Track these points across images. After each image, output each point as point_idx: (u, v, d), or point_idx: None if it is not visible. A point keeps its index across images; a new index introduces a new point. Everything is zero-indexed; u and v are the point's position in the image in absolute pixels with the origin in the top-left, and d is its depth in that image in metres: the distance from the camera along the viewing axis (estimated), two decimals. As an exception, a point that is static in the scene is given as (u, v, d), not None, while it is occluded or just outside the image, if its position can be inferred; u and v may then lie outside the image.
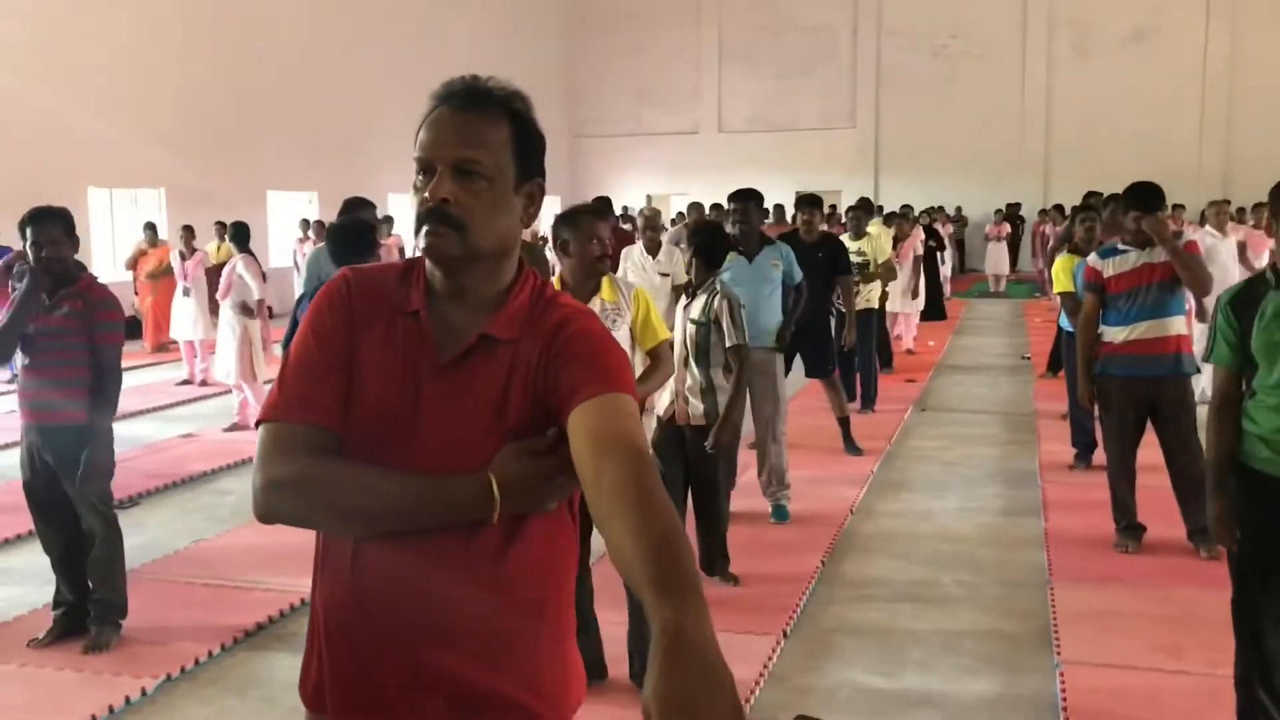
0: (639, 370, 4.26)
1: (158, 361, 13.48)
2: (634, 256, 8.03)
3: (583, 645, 4.03)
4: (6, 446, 8.24)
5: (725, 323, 5.04)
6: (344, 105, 20.31)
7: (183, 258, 11.93)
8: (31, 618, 4.99)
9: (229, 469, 7.95)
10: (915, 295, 12.50)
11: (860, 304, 9.37)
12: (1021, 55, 26.88)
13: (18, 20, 14.52)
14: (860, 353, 9.46)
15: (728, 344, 5.06)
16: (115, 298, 4.77)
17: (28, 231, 4.47)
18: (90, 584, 4.71)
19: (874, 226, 12.09)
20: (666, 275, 7.82)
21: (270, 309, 10.69)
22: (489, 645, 1.65)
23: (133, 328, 14.20)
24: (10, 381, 11.07)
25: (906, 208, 14.85)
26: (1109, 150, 24.59)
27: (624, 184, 28.44)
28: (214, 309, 10.93)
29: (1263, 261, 9.51)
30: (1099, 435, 6.47)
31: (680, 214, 20.00)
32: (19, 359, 4.63)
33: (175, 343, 12.40)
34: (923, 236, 14.30)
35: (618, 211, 18.90)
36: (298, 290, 12.26)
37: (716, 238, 5.33)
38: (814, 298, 7.36)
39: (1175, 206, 20.01)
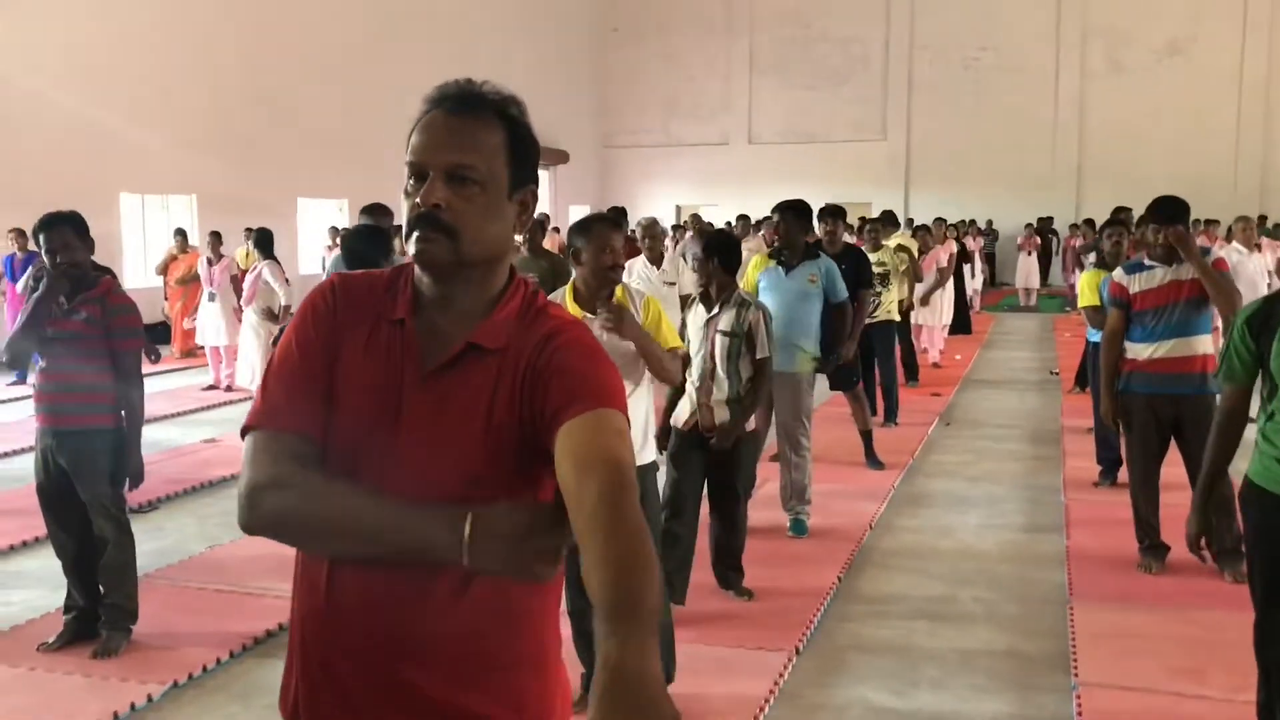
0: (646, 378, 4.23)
1: (185, 366, 13.55)
2: (636, 270, 7.94)
3: (584, 657, 4.02)
4: (20, 451, 8.28)
5: (760, 336, 5.10)
6: (375, 114, 20.37)
7: (209, 263, 12.01)
8: (43, 622, 4.99)
9: (249, 475, 7.94)
10: (926, 304, 12.37)
11: (880, 315, 9.30)
12: (1054, 68, 26.68)
13: (49, 25, 14.67)
14: (882, 366, 9.37)
15: (757, 356, 5.11)
16: (133, 302, 4.79)
17: (41, 239, 4.50)
18: (102, 589, 4.71)
19: (898, 238, 12.00)
20: (673, 284, 7.77)
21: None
22: (467, 662, 1.60)
23: (162, 333, 14.32)
24: (13, 384, 11.24)
25: (939, 221, 14.76)
26: (1143, 164, 24.24)
27: (653, 195, 28.46)
28: (239, 314, 11.00)
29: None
30: (1124, 452, 6.37)
31: (676, 226, 19.99)
32: (36, 361, 4.66)
33: (202, 348, 12.47)
34: (954, 250, 14.17)
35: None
36: (324, 297, 12.27)
37: (731, 245, 5.39)
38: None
39: (1209, 222, 19.74)
